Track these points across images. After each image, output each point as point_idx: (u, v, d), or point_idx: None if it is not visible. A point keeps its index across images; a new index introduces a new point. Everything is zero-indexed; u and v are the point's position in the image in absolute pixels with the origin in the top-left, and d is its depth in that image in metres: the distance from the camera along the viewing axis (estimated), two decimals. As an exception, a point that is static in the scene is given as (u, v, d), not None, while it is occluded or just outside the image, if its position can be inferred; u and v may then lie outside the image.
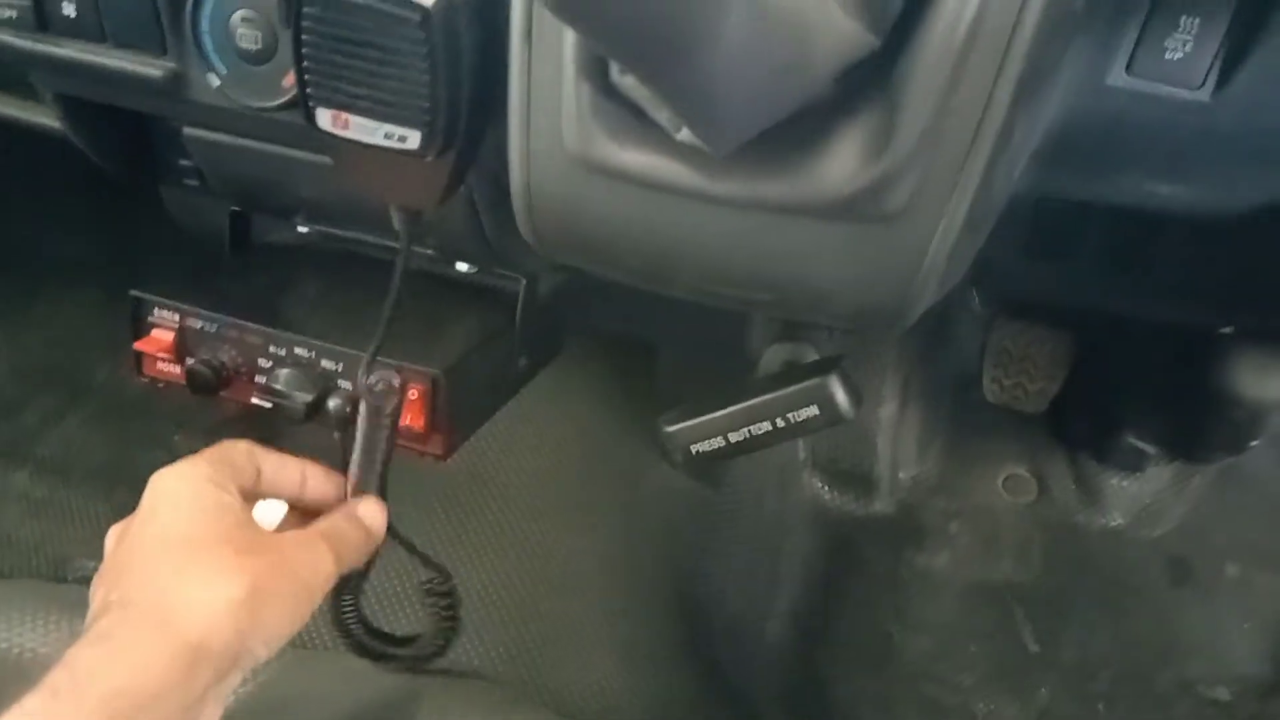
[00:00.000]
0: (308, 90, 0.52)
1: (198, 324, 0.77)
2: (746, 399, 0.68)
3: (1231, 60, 0.48)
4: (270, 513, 0.63)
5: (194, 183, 0.83)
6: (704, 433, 0.70)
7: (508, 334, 0.82)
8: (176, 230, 1.01)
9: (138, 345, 0.78)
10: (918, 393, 1.31)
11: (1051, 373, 1.28)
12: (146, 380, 0.80)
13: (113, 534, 0.58)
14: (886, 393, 1.29)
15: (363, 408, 0.64)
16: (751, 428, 0.68)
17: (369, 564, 0.69)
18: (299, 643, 0.57)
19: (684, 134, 0.45)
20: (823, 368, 0.66)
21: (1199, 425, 1.05)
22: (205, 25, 0.63)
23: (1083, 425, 1.28)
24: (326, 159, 0.69)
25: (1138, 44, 0.49)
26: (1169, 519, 1.27)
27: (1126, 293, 0.77)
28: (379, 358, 0.71)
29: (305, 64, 0.51)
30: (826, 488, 1.31)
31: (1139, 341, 1.14)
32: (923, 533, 1.28)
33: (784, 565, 1.25)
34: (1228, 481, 1.27)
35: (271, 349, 0.75)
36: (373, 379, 0.64)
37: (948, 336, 1.31)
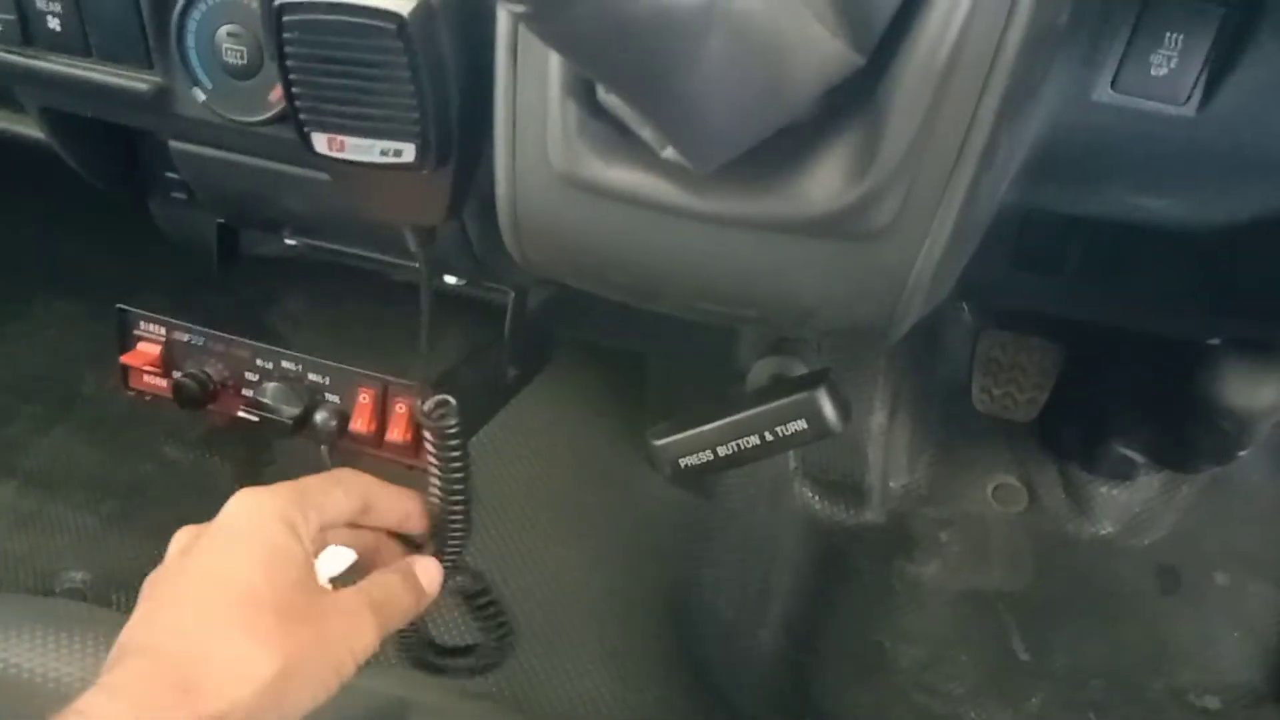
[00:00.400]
0: (300, 116, 0.52)
1: (184, 337, 0.77)
2: (734, 413, 0.68)
3: (1216, 76, 0.48)
4: (335, 562, 0.61)
5: (181, 196, 0.83)
6: (692, 446, 0.69)
7: (497, 346, 0.82)
8: (165, 241, 1.00)
9: (124, 359, 0.78)
10: (908, 402, 1.31)
11: (1041, 382, 1.28)
12: (133, 394, 0.80)
13: (182, 535, 0.56)
14: (877, 402, 1.29)
15: (427, 435, 0.64)
16: (740, 441, 0.68)
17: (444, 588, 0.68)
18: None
19: (669, 152, 0.45)
20: (811, 381, 0.66)
21: (1188, 435, 1.05)
22: (191, 40, 0.63)
23: (1072, 434, 1.28)
24: (314, 173, 0.69)
25: (1123, 60, 0.49)
26: (1159, 527, 1.27)
27: (1114, 304, 0.77)
28: (366, 370, 0.72)
29: (294, 89, 0.51)
30: (817, 497, 1.31)
31: (1128, 351, 1.14)
32: (913, 542, 1.29)
33: (775, 575, 1.25)
34: (1217, 490, 1.27)
35: (258, 362, 0.75)
36: (428, 404, 0.64)
37: (937, 346, 1.31)
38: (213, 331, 0.75)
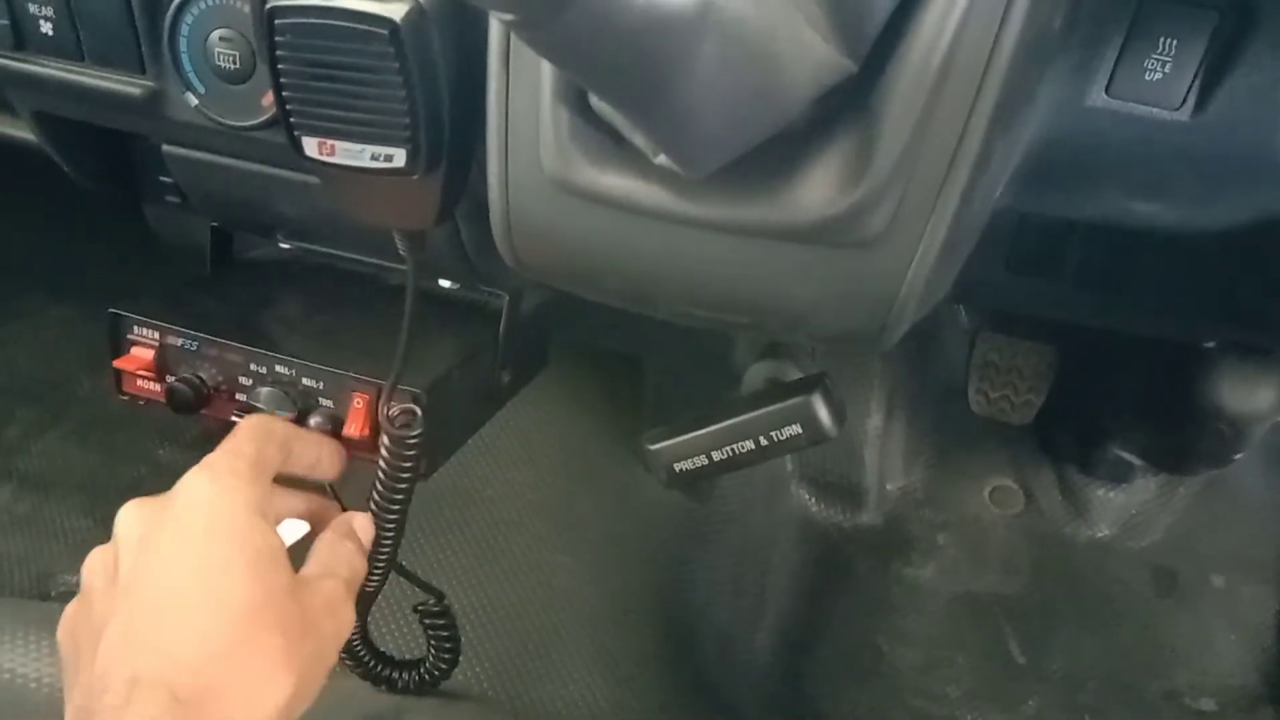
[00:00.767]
0: (291, 120, 0.52)
1: (178, 342, 0.76)
2: (729, 417, 0.68)
3: (1210, 81, 0.48)
4: (288, 534, 0.62)
5: (175, 200, 0.83)
6: (687, 451, 0.69)
7: (491, 350, 0.82)
8: (159, 244, 1.00)
9: (117, 363, 0.77)
10: (904, 405, 1.31)
11: (1037, 385, 1.28)
12: (126, 398, 0.79)
13: (133, 518, 0.53)
14: (873, 405, 1.30)
15: (384, 439, 0.65)
16: (734, 446, 0.68)
17: (376, 590, 0.69)
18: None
19: (662, 158, 0.44)
20: (806, 386, 0.66)
21: (1184, 438, 1.05)
22: (183, 44, 0.63)
23: (1068, 437, 1.28)
24: (307, 177, 0.69)
25: (1117, 65, 0.49)
26: (1155, 530, 1.28)
27: (1110, 308, 0.77)
28: (360, 375, 0.72)
29: (285, 93, 0.51)
30: (814, 500, 1.31)
31: (1124, 354, 1.14)
32: (910, 545, 1.29)
33: (771, 578, 1.25)
34: (1213, 492, 1.27)
35: (252, 367, 0.75)
36: (393, 410, 0.64)
37: (933, 349, 1.31)
38: (206, 336, 0.75)
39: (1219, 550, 1.26)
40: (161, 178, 0.82)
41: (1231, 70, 0.48)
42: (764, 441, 0.67)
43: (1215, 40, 0.47)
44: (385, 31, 0.48)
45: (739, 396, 0.73)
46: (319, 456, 0.65)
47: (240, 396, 0.76)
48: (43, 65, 0.68)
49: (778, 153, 0.43)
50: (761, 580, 1.24)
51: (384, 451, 0.65)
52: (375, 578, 0.69)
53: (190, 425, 1.26)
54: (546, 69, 0.47)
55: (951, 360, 1.31)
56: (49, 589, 1.15)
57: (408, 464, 0.65)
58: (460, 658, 0.80)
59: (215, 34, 0.62)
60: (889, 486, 1.32)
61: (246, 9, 0.60)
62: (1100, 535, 1.28)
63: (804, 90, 0.41)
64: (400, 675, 0.79)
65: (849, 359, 1.27)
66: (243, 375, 0.75)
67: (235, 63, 0.62)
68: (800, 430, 0.65)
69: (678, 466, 0.70)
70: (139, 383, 0.78)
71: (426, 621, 0.79)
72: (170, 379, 0.76)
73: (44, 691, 0.70)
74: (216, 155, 0.73)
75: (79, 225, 1.31)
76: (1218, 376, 0.90)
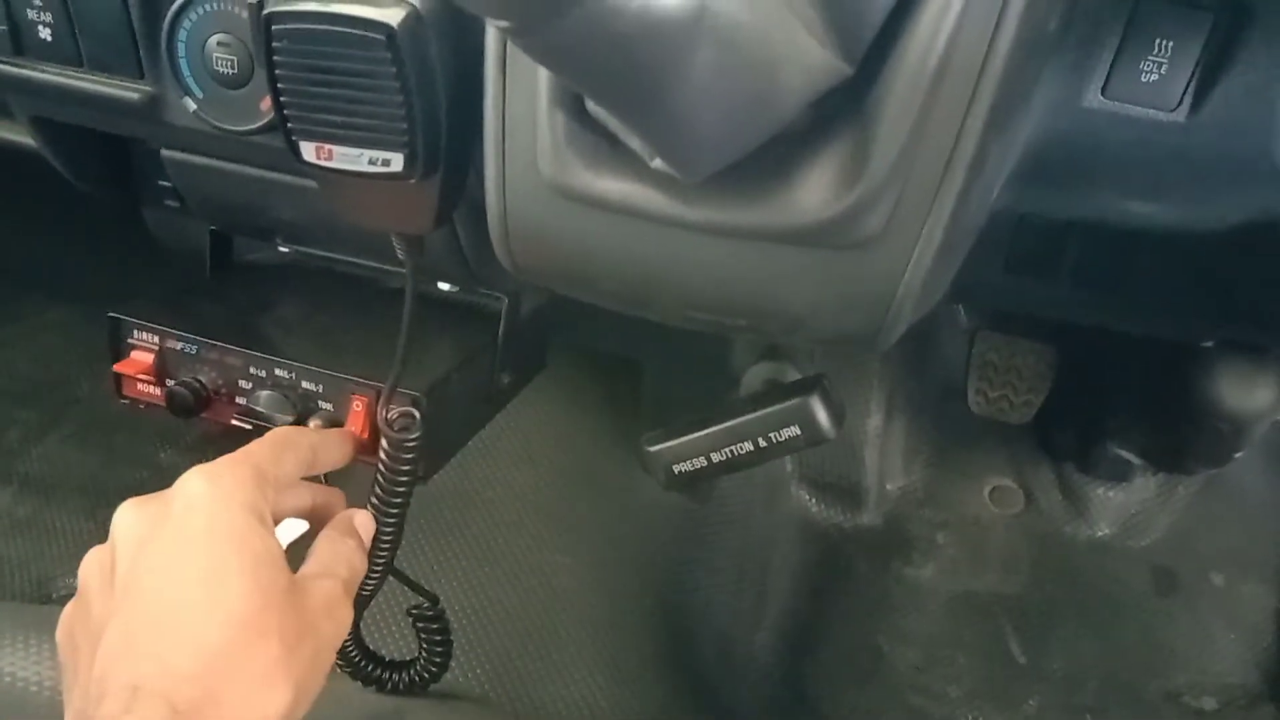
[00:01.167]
0: (289, 125, 0.52)
1: (177, 345, 0.76)
2: (728, 419, 0.68)
3: (1206, 82, 0.49)
4: (286, 533, 0.62)
5: (174, 204, 0.83)
6: (686, 453, 0.70)
7: (489, 352, 0.82)
8: (158, 247, 1.00)
9: (117, 367, 0.78)
10: (904, 405, 1.31)
11: (1036, 384, 1.28)
12: (126, 402, 0.80)
13: (131, 519, 0.53)
14: (873, 405, 1.30)
15: (383, 442, 0.65)
16: (733, 448, 0.68)
17: (372, 593, 0.69)
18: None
19: (658, 162, 0.44)
20: (804, 387, 0.66)
21: (1183, 437, 1.05)
22: (181, 49, 0.63)
23: (1068, 436, 1.28)
24: (305, 181, 0.69)
25: (1113, 66, 0.49)
26: (1155, 529, 1.28)
27: (1108, 308, 0.77)
28: (359, 378, 0.72)
29: (283, 98, 0.51)
30: (814, 500, 1.31)
31: (1123, 353, 1.15)
32: (910, 544, 1.29)
33: (771, 578, 1.25)
34: (1213, 491, 1.27)
35: (252, 370, 0.75)
36: (392, 413, 0.65)
37: (932, 349, 1.31)
38: (206, 340, 0.75)
39: (1218, 549, 1.26)
40: (160, 182, 0.82)
41: (1227, 71, 0.48)
42: (763, 443, 0.67)
43: (1211, 41, 0.48)
44: (382, 37, 0.48)
45: (738, 398, 0.73)
46: (341, 455, 0.66)
47: (240, 400, 0.76)
48: (41, 70, 0.68)
49: (774, 156, 0.44)
50: (762, 580, 1.24)
51: (383, 454, 0.65)
52: (372, 580, 0.69)
53: (191, 428, 1.26)
54: (543, 73, 0.47)
55: (950, 360, 1.31)
56: (49, 592, 1.15)
57: (406, 467, 0.65)
58: (452, 661, 0.80)
59: (213, 39, 0.62)
60: (889, 486, 1.32)
61: (244, 14, 0.60)
62: (1100, 534, 1.28)
63: (800, 94, 0.41)
64: (391, 676, 0.79)
65: (848, 359, 1.27)
66: (242, 379, 0.76)
67: (233, 68, 0.62)
68: (799, 431, 0.66)
69: (676, 468, 0.70)
70: (139, 386, 0.79)
71: (420, 625, 0.79)
72: (170, 383, 0.77)
73: (45, 695, 0.70)
74: (215, 160, 0.74)
75: (79, 229, 1.31)
76: (1216, 375, 0.90)
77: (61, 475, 1.29)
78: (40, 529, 1.22)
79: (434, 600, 0.78)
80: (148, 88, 0.67)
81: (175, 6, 0.62)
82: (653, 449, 0.70)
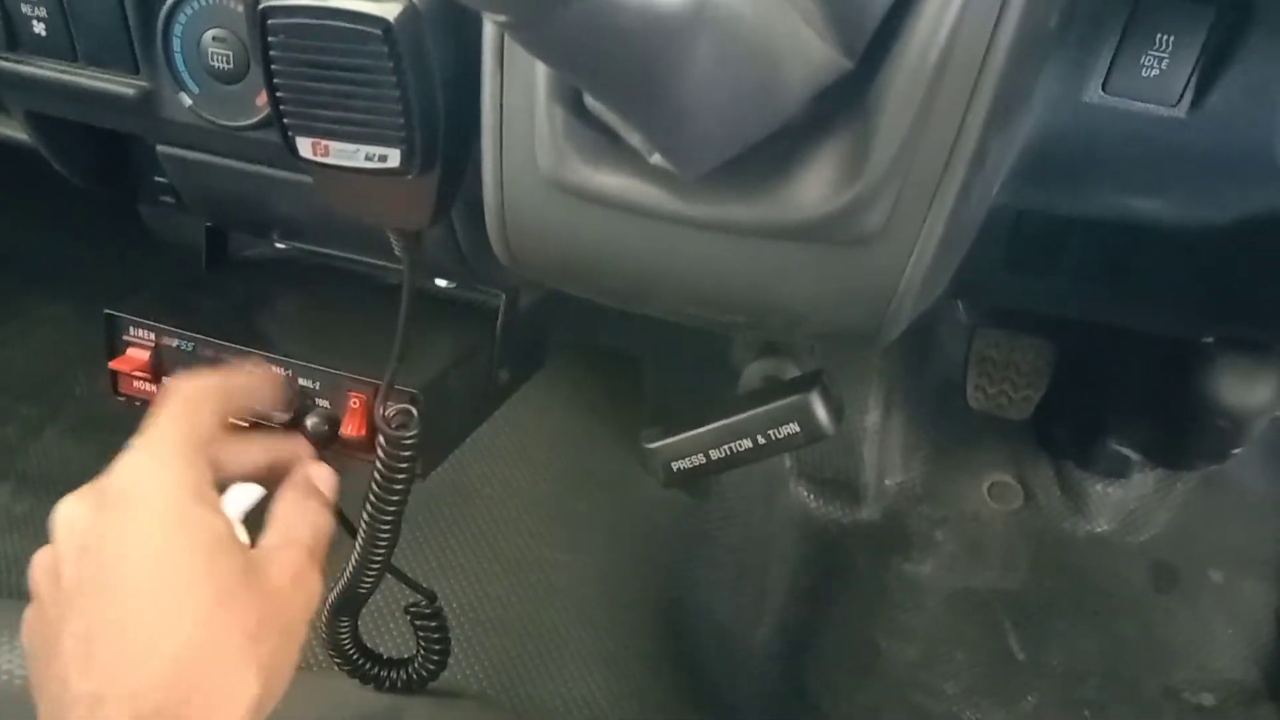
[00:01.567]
0: (285, 120, 0.52)
1: (174, 342, 0.76)
2: (727, 416, 0.67)
3: (1207, 77, 0.48)
4: (242, 500, 0.60)
5: (170, 199, 0.83)
6: (685, 449, 0.69)
7: (488, 349, 0.82)
8: (154, 242, 1.00)
9: (113, 364, 0.77)
10: (902, 401, 1.31)
11: (1035, 380, 1.28)
12: (123, 399, 0.79)
13: (74, 515, 0.51)
14: (872, 401, 1.29)
15: (380, 439, 0.65)
16: (732, 444, 0.68)
17: (369, 591, 0.69)
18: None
19: (657, 157, 0.44)
20: (803, 384, 0.66)
21: (1182, 433, 1.05)
22: (176, 44, 0.63)
23: (1067, 432, 1.28)
24: (301, 177, 0.69)
25: (1114, 62, 0.49)
26: (1154, 525, 1.28)
27: (1108, 304, 0.77)
28: (356, 375, 0.71)
29: (278, 94, 0.51)
30: (813, 496, 1.31)
31: (1122, 349, 1.14)
32: (909, 540, 1.29)
33: (771, 574, 1.25)
34: (1212, 487, 1.27)
35: (248, 368, 0.75)
36: (389, 411, 0.64)
37: (931, 345, 1.31)
38: (202, 336, 0.75)
39: (1218, 545, 1.26)
40: (156, 177, 0.81)
41: (1228, 66, 0.48)
42: (762, 440, 0.66)
43: (1212, 36, 0.47)
44: (379, 31, 0.47)
45: (737, 395, 0.73)
46: (262, 389, 0.63)
47: (236, 397, 0.76)
48: (36, 65, 0.68)
49: (774, 151, 0.43)
50: (761, 576, 1.24)
51: (380, 452, 0.65)
52: (369, 579, 0.68)
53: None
54: (541, 67, 0.46)
55: (949, 356, 1.31)
56: (47, 589, 1.15)
57: (404, 464, 0.65)
58: (450, 659, 0.80)
59: (209, 34, 0.62)
60: (887, 482, 1.32)
61: (240, 9, 0.60)
62: (1099, 530, 1.28)
63: (800, 88, 0.40)
64: (388, 674, 0.79)
65: (847, 356, 1.27)
66: (239, 375, 0.75)
67: (229, 63, 0.62)
68: (798, 428, 0.65)
69: (675, 465, 0.70)
70: (135, 383, 0.78)
71: (418, 623, 0.79)
72: (166, 379, 0.76)
73: (42, 693, 0.70)
74: (211, 155, 0.73)
75: (76, 225, 1.31)
76: (1216, 371, 0.89)
77: (59, 471, 1.28)
78: (38, 525, 1.20)
79: (431, 597, 0.78)
80: (142, 83, 0.66)
81: (170, 1, 0.62)
82: (651, 446, 0.70)
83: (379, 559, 0.67)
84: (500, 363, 0.83)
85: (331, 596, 0.72)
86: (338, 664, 0.77)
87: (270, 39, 0.50)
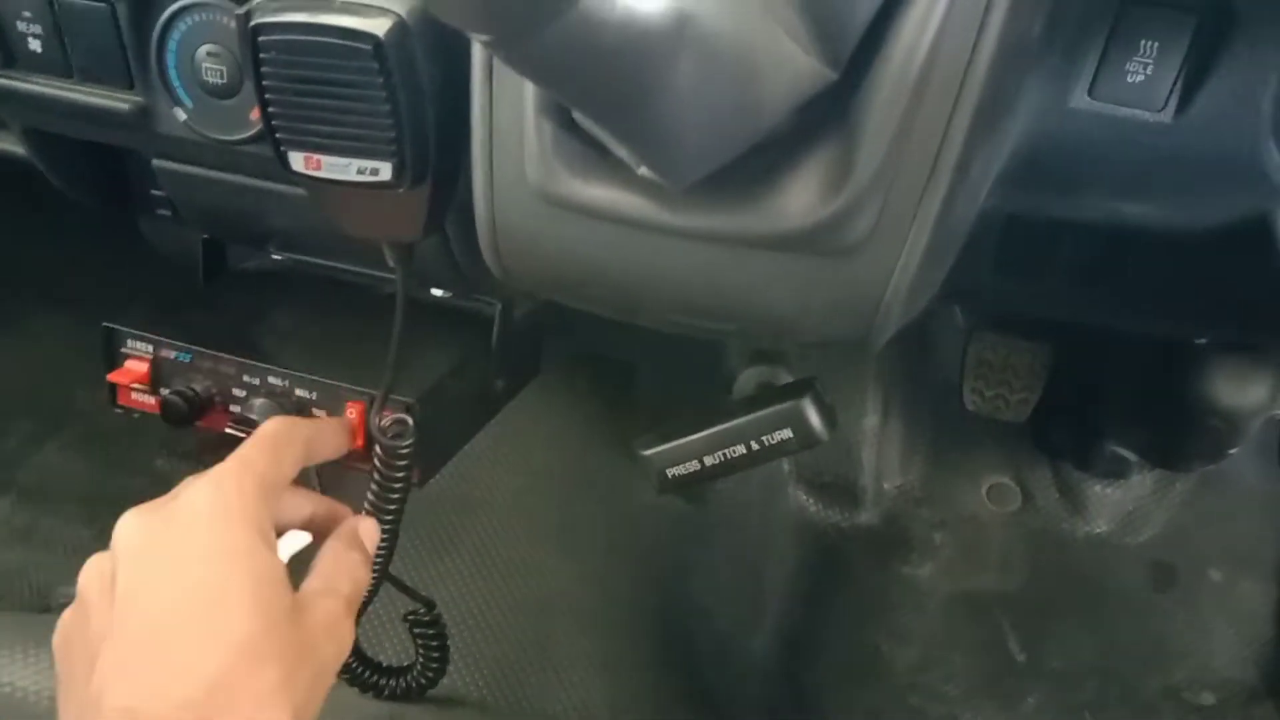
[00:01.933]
0: (277, 135, 0.52)
1: (171, 355, 0.76)
2: (721, 422, 0.68)
3: (1192, 82, 0.49)
4: (288, 545, 0.61)
5: (166, 213, 0.83)
6: (679, 456, 0.70)
7: (484, 358, 0.82)
8: (152, 255, 1.00)
9: (111, 377, 0.78)
10: (900, 404, 1.31)
11: (1032, 383, 1.28)
12: (121, 411, 0.80)
13: (133, 530, 0.52)
14: (869, 404, 1.30)
15: (377, 449, 0.65)
16: (726, 451, 0.68)
17: (368, 600, 0.69)
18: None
19: (645, 169, 0.45)
20: (796, 390, 0.66)
21: (1178, 434, 1.06)
22: (171, 60, 0.63)
23: (1064, 434, 1.28)
24: (296, 190, 0.69)
25: (1099, 68, 0.49)
26: (1152, 525, 1.28)
27: (1100, 307, 0.77)
28: (353, 385, 0.72)
29: (271, 109, 0.51)
30: (811, 500, 1.31)
31: (1118, 351, 1.15)
32: (908, 543, 1.29)
33: (769, 579, 1.25)
34: (1209, 488, 1.27)
35: (245, 378, 0.75)
36: (385, 420, 0.65)
37: (928, 348, 1.31)
38: (200, 348, 0.75)
39: (1216, 545, 1.26)
40: (153, 191, 0.82)
41: (1212, 72, 0.48)
42: (755, 446, 0.67)
43: (1195, 43, 0.48)
44: (369, 47, 0.48)
45: (731, 401, 0.73)
46: (337, 444, 0.65)
47: (234, 408, 0.76)
48: (31, 82, 0.68)
49: (760, 162, 0.44)
50: (759, 581, 1.24)
51: (377, 462, 0.65)
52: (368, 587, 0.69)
53: (189, 435, 1.26)
54: (529, 82, 0.47)
55: (946, 359, 1.31)
56: (49, 601, 1.15)
57: (400, 474, 0.65)
58: (449, 666, 0.80)
59: (202, 49, 0.62)
60: (886, 486, 1.32)
61: (233, 25, 0.60)
62: (1097, 531, 1.28)
63: (784, 100, 0.41)
64: (388, 682, 0.79)
65: (844, 359, 1.27)
66: (236, 387, 0.76)
67: (223, 78, 0.62)
68: (791, 434, 0.66)
69: (670, 472, 0.70)
70: (133, 395, 0.79)
71: (416, 631, 0.79)
72: (164, 391, 0.77)
73: (44, 704, 0.71)
74: (206, 169, 0.74)
75: (74, 238, 1.31)
76: (1210, 372, 0.90)
77: (60, 484, 1.28)
78: (39, 538, 1.22)
79: (430, 605, 0.79)
80: (137, 98, 0.67)
81: (164, 17, 0.62)
82: (646, 453, 0.71)
83: (377, 568, 0.67)
84: (496, 372, 0.84)
85: None
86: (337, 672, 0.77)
87: (262, 55, 0.50)
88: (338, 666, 0.55)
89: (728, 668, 1.15)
